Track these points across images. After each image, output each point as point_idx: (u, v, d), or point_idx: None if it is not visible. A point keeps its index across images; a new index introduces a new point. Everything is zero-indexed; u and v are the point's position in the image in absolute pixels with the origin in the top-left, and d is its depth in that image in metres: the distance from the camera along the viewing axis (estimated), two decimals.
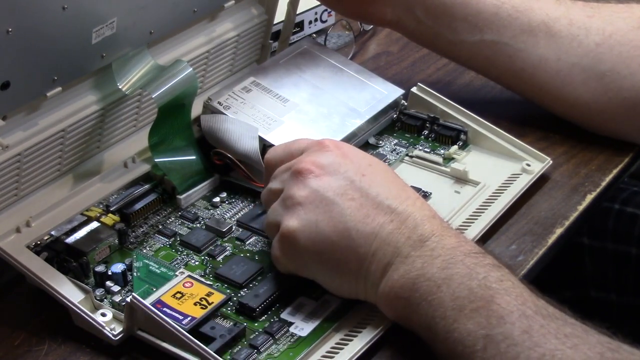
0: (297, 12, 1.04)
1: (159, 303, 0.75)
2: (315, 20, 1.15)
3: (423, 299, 0.71)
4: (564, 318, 0.68)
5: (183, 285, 0.77)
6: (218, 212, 0.87)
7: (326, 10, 1.16)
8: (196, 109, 0.91)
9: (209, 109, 0.91)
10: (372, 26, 1.18)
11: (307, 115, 0.92)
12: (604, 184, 0.92)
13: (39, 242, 0.79)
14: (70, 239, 0.81)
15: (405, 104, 0.98)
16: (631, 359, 0.65)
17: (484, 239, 0.84)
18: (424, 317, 0.71)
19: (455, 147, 0.94)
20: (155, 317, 0.71)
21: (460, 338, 0.68)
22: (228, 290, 0.78)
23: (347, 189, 0.74)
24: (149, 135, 0.86)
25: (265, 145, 0.88)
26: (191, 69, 0.86)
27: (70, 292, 0.75)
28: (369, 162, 0.77)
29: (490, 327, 0.67)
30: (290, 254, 0.75)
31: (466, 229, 0.84)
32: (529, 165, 0.92)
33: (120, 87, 0.83)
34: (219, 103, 0.91)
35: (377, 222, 0.73)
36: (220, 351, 0.72)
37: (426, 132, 0.97)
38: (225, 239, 0.84)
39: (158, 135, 0.86)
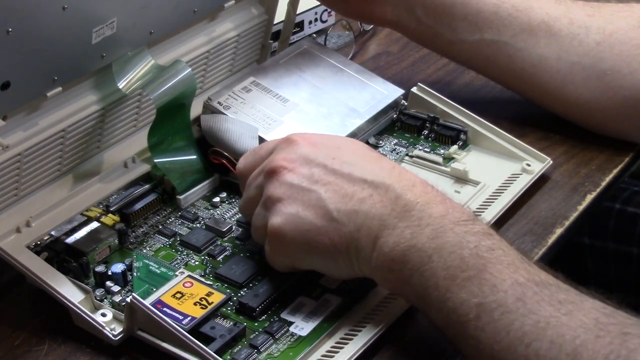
0: (297, 12, 1.04)
1: (159, 303, 0.75)
2: (315, 20, 1.15)
3: (415, 270, 0.71)
4: (557, 284, 0.68)
5: (183, 285, 0.77)
6: (218, 212, 0.87)
7: (326, 10, 1.16)
8: (196, 109, 0.91)
9: (209, 108, 0.91)
10: (372, 26, 1.18)
11: (307, 115, 0.92)
12: (604, 184, 0.92)
13: (39, 242, 0.79)
14: (70, 239, 0.81)
15: (405, 104, 0.98)
16: (626, 323, 0.65)
17: None
18: (417, 287, 0.71)
19: (455, 147, 0.94)
20: (155, 317, 0.71)
21: (454, 307, 0.68)
22: (228, 290, 0.78)
23: (320, 175, 0.75)
24: (148, 135, 0.86)
25: None
26: (190, 69, 0.86)
27: (70, 292, 0.75)
28: (337, 145, 0.77)
29: (483, 296, 0.67)
30: (282, 250, 0.76)
31: None
32: (529, 165, 0.92)
33: (120, 87, 0.83)
34: (219, 103, 0.91)
35: (357, 197, 0.73)
36: (220, 351, 0.72)
37: (426, 132, 0.97)
38: (225, 239, 0.84)
39: (157, 136, 0.86)
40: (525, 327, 0.65)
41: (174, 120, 0.87)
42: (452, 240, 0.70)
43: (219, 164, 0.88)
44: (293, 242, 0.74)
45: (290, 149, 0.76)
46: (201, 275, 0.79)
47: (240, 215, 0.86)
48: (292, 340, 0.74)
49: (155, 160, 0.86)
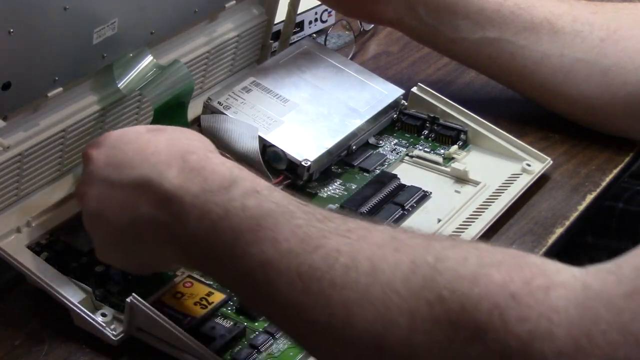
0: (297, 12, 1.04)
1: (159, 303, 0.75)
2: (315, 20, 1.15)
3: (203, 262, 0.69)
4: (344, 218, 0.65)
5: (183, 285, 0.77)
6: None
7: (326, 10, 1.16)
8: (196, 109, 0.91)
9: (209, 109, 0.91)
10: (372, 26, 1.18)
11: (307, 115, 0.92)
12: (604, 184, 0.92)
13: (39, 242, 0.79)
14: (70, 239, 0.81)
15: (405, 104, 0.98)
16: (428, 235, 0.64)
17: (484, 239, 0.84)
18: (215, 275, 0.70)
19: (455, 147, 0.94)
20: (155, 317, 0.71)
21: (244, 276, 0.65)
22: (228, 290, 0.78)
23: (99, 194, 0.73)
24: None
25: (265, 145, 0.88)
26: (187, 69, 0.86)
27: (70, 292, 0.75)
28: (111, 144, 0.73)
29: (267, 254, 0.64)
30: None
31: (466, 229, 0.84)
32: (529, 165, 0.92)
33: (120, 87, 0.83)
34: (219, 103, 0.91)
35: (130, 205, 0.71)
36: (220, 351, 0.72)
37: (426, 132, 0.97)
38: None
39: None
40: (315, 264, 0.62)
41: (172, 121, 0.87)
42: (219, 215, 0.66)
43: None
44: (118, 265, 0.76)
45: (84, 169, 0.74)
46: (201, 275, 0.79)
47: None
48: None
49: None
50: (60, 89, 0.78)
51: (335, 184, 0.90)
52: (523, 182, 0.90)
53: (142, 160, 0.70)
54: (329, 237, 0.63)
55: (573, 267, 0.57)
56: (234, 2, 0.93)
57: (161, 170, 0.69)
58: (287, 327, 0.66)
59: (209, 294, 0.76)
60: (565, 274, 0.56)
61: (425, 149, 0.95)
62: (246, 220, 0.65)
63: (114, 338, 0.73)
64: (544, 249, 0.85)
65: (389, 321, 0.59)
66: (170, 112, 0.86)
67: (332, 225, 0.64)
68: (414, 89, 0.98)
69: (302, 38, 1.08)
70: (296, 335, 0.66)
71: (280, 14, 1.01)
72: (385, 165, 0.93)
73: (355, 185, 0.90)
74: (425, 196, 0.88)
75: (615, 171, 0.94)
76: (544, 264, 0.58)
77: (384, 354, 0.59)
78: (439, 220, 0.85)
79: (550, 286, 0.55)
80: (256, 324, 0.75)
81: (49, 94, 0.78)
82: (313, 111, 0.92)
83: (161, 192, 0.68)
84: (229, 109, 0.91)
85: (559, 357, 0.53)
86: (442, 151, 0.95)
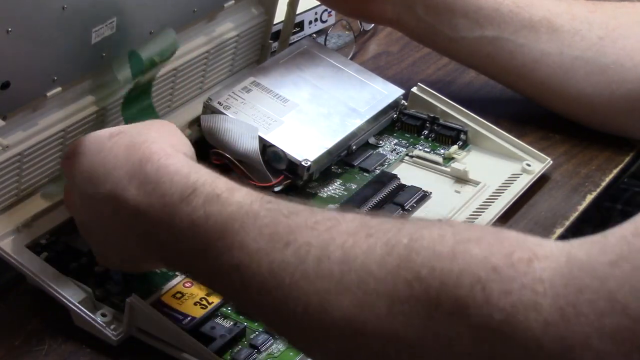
0: (297, 12, 1.03)
1: (159, 303, 0.75)
2: (315, 20, 1.15)
3: (183, 262, 0.69)
4: (310, 210, 0.65)
5: (183, 285, 0.77)
6: None
7: (326, 10, 1.16)
8: (196, 109, 0.91)
9: (209, 109, 0.91)
10: (372, 26, 1.18)
11: (307, 115, 0.92)
12: (604, 184, 0.92)
13: (39, 242, 0.79)
14: (70, 239, 0.81)
15: (405, 104, 0.98)
16: (400, 220, 0.63)
17: None
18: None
19: (455, 147, 0.94)
20: (155, 317, 0.71)
21: (221, 280, 0.66)
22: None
23: (80, 203, 0.75)
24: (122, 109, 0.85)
25: (265, 145, 0.88)
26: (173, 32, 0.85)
27: (70, 292, 0.75)
28: (88, 151, 0.74)
29: (238, 259, 0.64)
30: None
31: None
32: (529, 165, 0.92)
33: (121, 82, 0.83)
34: (219, 103, 0.91)
35: (105, 216, 0.72)
36: (220, 351, 0.72)
37: (426, 132, 0.97)
38: None
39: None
40: (286, 259, 0.62)
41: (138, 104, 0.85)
42: (186, 226, 0.66)
43: (221, 164, 0.88)
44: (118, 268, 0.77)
45: (66, 179, 0.77)
46: None
47: None
48: None
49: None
50: (59, 88, 0.78)
51: (335, 184, 0.90)
52: (523, 182, 0.90)
53: (106, 175, 0.71)
54: (298, 232, 0.63)
55: (555, 241, 0.57)
56: (233, 1, 0.93)
57: (123, 186, 0.70)
58: (266, 322, 0.67)
59: (209, 294, 0.76)
60: (548, 246, 0.56)
61: (425, 149, 0.95)
62: (212, 229, 0.65)
63: (114, 338, 0.73)
64: None
65: (368, 305, 0.58)
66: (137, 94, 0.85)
67: (299, 220, 0.63)
68: (414, 89, 0.98)
69: (302, 38, 1.08)
70: (276, 328, 0.66)
71: (280, 14, 1.01)
72: (385, 165, 0.93)
73: (355, 185, 0.90)
74: (425, 196, 0.88)
75: (615, 171, 0.94)
76: (524, 237, 0.57)
77: (364, 337, 0.58)
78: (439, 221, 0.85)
79: (532, 258, 0.54)
80: (256, 324, 0.75)
81: (48, 94, 0.78)
82: (313, 111, 0.92)
83: (128, 208, 0.70)
84: (229, 109, 0.91)
85: (546, 328, 0.52)
86: (442, 151, 0.95)
